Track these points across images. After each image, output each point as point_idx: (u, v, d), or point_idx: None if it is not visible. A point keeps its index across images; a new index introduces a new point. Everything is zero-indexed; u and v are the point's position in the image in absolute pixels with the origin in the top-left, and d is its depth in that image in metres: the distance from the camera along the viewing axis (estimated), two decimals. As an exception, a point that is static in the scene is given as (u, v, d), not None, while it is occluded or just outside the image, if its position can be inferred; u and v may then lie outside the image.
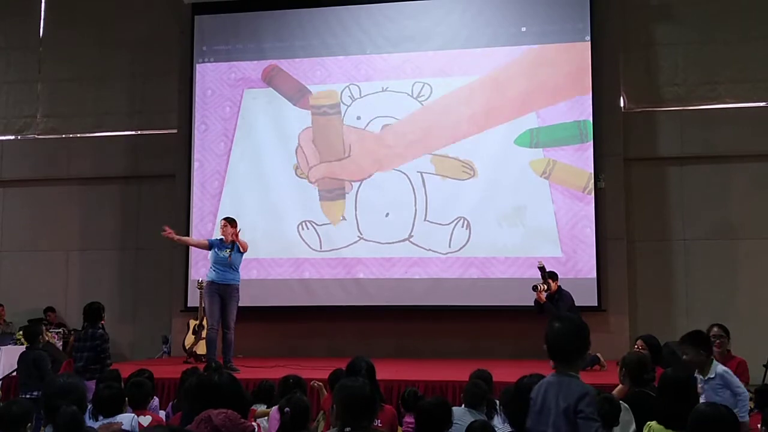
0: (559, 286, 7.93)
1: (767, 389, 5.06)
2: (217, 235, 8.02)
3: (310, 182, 9.58)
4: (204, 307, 7.91)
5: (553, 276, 7.95)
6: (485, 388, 4.88)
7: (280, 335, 9.39)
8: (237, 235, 7.53)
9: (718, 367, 4.55)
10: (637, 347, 5.84)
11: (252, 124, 9.78)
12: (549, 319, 3.21)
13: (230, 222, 7.64)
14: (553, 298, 7.84)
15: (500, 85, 9.29)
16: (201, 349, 8.48)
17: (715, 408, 3.25)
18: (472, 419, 4.20)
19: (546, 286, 7.83)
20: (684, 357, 4.63)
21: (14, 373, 6.96)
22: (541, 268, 7.84)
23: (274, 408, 4.56)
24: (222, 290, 7.51)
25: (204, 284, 7.74)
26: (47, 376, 6.26)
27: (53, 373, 6.69)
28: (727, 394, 4.43)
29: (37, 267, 10.57)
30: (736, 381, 4.54)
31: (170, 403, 5.40)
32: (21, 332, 8.23)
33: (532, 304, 7.93)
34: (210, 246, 7.65)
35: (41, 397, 3.98)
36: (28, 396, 5.92)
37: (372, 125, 9.54)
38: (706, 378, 4.52)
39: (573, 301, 7.85)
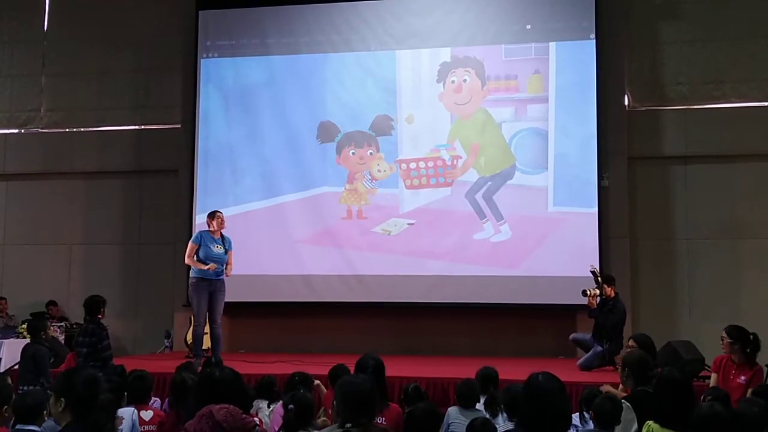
0: (617, 294, 7.37)
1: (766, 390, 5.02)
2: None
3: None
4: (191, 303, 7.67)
5: (609, 280, 7.41)
6: (478, 389, 4.85)
7: (282, 331, 9.37)
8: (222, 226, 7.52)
9: None
10: (630, 346, 5.86)
11: (255, 120, 9.76)
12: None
13: (211, 216, 7.59)
14: (607, 304, 7.30)
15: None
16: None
17: (716, 407, 3.24)
18: (465, 419, 4.18)
19: (598, 291, 7.28)
20: None
21: (16, 366, 6.97)
22: (593, 272, 7.34)
23: (278, 404, 4.56)
24: (213, 286, 7.45)
25: (192, 280, 7.54)
26: (45, 371, 6.28)
27: (54, 368, 6.73)
28: None
29: (40, 261, 10.58)
30: None
31: (166, 400, 5.35)
32: (24, 326, 8.23)
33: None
34: (198, 247, 7.44)
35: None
36: (23, 389, 5.91)
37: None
38: None
39: (625, 316, 7.35)
